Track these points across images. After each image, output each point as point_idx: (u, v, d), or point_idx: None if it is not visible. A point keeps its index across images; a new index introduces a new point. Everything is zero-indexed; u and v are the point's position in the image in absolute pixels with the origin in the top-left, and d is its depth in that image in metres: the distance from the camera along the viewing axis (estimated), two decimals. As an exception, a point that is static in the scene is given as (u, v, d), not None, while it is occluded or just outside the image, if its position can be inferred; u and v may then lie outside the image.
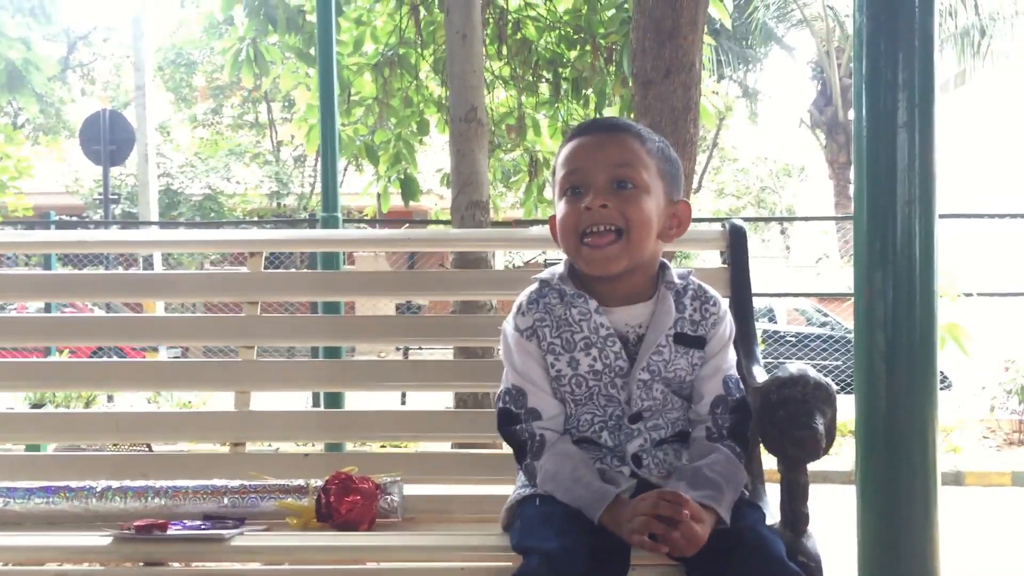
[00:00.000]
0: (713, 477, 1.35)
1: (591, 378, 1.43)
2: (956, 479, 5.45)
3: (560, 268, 1.51)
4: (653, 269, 1.48)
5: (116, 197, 14.97)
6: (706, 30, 3.82)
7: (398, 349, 8.26)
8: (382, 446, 4.47)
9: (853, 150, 1.84)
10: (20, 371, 2.10)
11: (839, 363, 8.68)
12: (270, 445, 4.20)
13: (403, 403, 7.01)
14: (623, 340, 1.44)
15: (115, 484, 1.74)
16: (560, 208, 1.46)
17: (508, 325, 1.50)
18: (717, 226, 1.93)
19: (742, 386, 1.49)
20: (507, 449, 1.51)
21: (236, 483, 1.72)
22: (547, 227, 1.57)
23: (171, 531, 1.48)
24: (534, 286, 1.50)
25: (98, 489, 1.73)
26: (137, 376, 2.00)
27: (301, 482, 1.72)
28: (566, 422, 1.45)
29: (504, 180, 9.04)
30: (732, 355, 1.51)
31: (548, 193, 8.06)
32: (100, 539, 1.44)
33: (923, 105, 1.74)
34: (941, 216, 1.78)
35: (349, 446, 3.61)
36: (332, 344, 2.13)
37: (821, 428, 1.27)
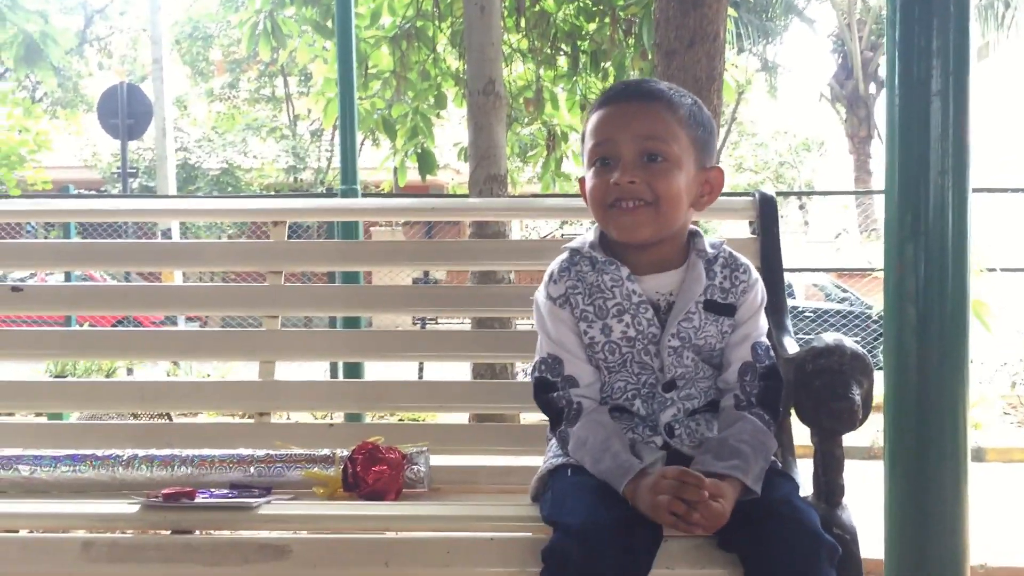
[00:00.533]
0: (739, 447, 1.34)
1: (624, 345, 1.43)
2: (977, 455, 5.42)
3: (590, 236, 1.50)
4: (683, 238, 1.48)
5: (134, 171, 15.01)
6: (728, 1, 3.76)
7: (415, 323, 8.27)
8: (400, 419, 4.48)
9: (885, 119, 1.80)
10: (43, 340, 2.10)
11: (858, 339, 8.61)
12: (288, 417, 4.22)
13: (420, 376, 7.03)
14: (654, 307, 1.43)
15: (141, 453, 1.74)
16: (589, 178, 1.45)
17: (540, 294, 1.50)
18: (747, 196, 1.90)
19: (772, 354, 1.47)
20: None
21: (262, 452, 1.73)
22: (566, 198, 1.56)
23: (199, 499, 1.48)
24: (564, 255, 1.50)
25: (124, 457, 1.73)
26: (162, 345, 2.00)
27: (327, 452, 1.72)
28: (601, 390, 1.45)
29: (521, 154, 8.99)
30: (763, 323, 1.49)
31: (566, 167, 8.01)
32: (128, 507, 1.45)
33: (957, 73, 1.70)
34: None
35: (367, 417, 3.63)
36: (356, 314, 2.13)
37: (858, 399, 1.26)
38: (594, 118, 1.45)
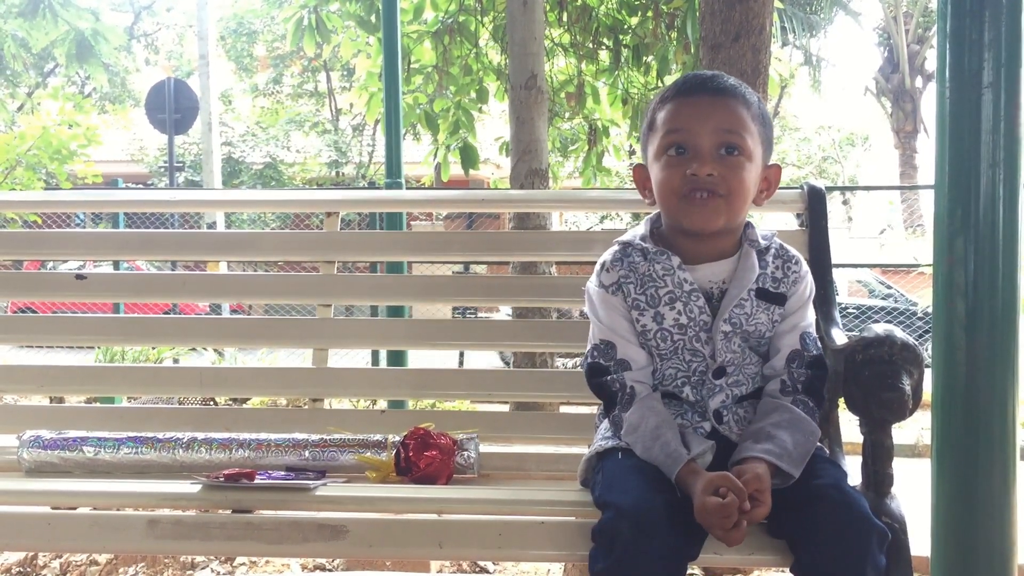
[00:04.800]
0: (775, 433, 1.36)
1: (676, 332, 1.45)
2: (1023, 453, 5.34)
3: (641, 229, 1.53)
4: (740, 230, 1.50)
5: (180, 165, 15.26)
6: (774, -7, 3.73)
7: (455, 314, 8.33)
8: (434, 406, 4.53)
9: (935, 112, 1.80)
10: (104, 326, 2.18)
11: (902, 336, 8.47)
12: (330, 404, 4.29)
13: (461, 365, 7.10)
14: (706, 295, 1.46)
15: (201, 436, 1.80)
16: (660, 167, 1.46)
17: (592, 284, 1.53)
18: (795, 189, 1.91)
19: (820, 344, 1.50)
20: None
21: (317, 437, 1.77)
22: (609, 191, 1.59)
23: (258, 480, 1.53)
24: (616, 247, 1.53)
25: (184, 440, 1.79)
26: (220, 333, 2.06)
27: (379, 437, 1.76)
28: (652, 375, 1.47)
29: (562, 149, 8.99)
30: (811, 314, 1.52)
31: (607, 162, 7.99)
32: (191, 486, 1.50)
33: (1009, 65, 1.69)
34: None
35: (409, 404, 3.68)
36: (407, 303, 2.18)
37: (908, 389, 1.27)
38: (668, 108, 1.46)
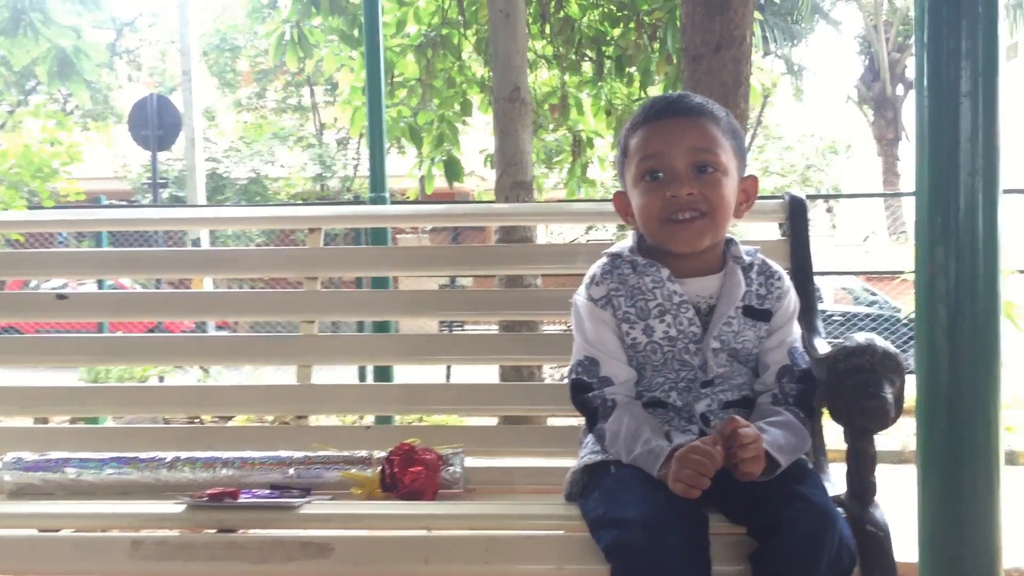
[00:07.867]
0: (768, 428, 1.38)
1: (666, 344, 1.46)
2: (1010, 458, 5.36)
3: (629, 242, 1.55)
4: (722, 244, 1.52)
5: (164, 182, 15.20)
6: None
7: (443, 328, 8.31)
8: (421, 420, 4.53)
9: (914, 121, 1.81)
10: (85, 346, 2.16)
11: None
12: (318, 421, 4.26)
13: (448, 379, 7.07)
14: (695, 309, 1.47)
15: (184, 455, 1.78)
16: (639, 193, 1.48)
17: (580, 297, 1.53)
18: (777, 198, 1.92)
19: (807, 358, 1.51)
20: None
21: (301, 454, 1.76)
22: (592, 203, 1.60)
23: (242, 499, 1.52)
24: (604, 259, 1.54)
25: (167, 460, 1.78)
26: (202, 351, 2.05)
27: (364, 453, 1.75)
28: (639, 384, 1.48)
29: (547, 161, 9.01)
30: (797, 329, 1.54)
31: (592, 173, 8.01)
32: (175, 507, 1.49)
33: (987, 74, 1.70)
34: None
35: (396, 419, 3.67)
36: (392, 318, 2.17)
37: (890, 398, 1.27)
38: (639, 134, 1.48)
